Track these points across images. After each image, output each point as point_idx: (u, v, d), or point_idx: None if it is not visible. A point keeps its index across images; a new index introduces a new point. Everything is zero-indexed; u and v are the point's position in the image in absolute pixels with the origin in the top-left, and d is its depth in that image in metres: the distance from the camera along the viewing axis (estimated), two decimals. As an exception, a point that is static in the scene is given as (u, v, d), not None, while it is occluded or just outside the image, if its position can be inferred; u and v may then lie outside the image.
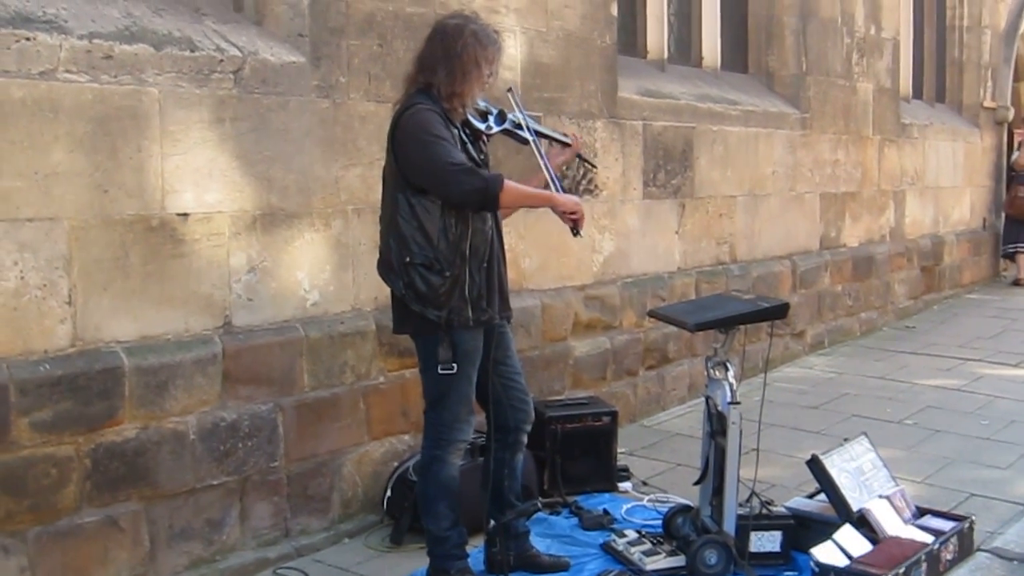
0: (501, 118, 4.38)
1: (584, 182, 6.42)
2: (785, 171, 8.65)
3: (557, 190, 4.34)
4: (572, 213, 4.27)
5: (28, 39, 3.84)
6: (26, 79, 3.84)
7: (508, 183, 4.04)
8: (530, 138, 4.40)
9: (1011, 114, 13.39)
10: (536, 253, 6.10)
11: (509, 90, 4.55)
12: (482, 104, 4.35)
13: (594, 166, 5.36)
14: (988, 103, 12.84)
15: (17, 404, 3.82)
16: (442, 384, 4.18)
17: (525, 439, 4.52)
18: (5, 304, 3.83)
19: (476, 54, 4.11)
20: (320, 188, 4.89)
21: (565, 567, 4.56)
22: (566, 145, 4.66)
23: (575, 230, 4.31)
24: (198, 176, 4.40)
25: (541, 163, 4.36)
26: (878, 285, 10.22)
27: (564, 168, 4.97)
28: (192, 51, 4.37)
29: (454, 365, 4.12)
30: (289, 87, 4.73)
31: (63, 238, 3.98)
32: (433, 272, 4.04)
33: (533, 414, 4.51)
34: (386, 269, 4.17)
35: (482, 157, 4.26)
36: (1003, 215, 13.12)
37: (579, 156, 4.74)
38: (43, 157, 3.91)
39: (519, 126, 4.42)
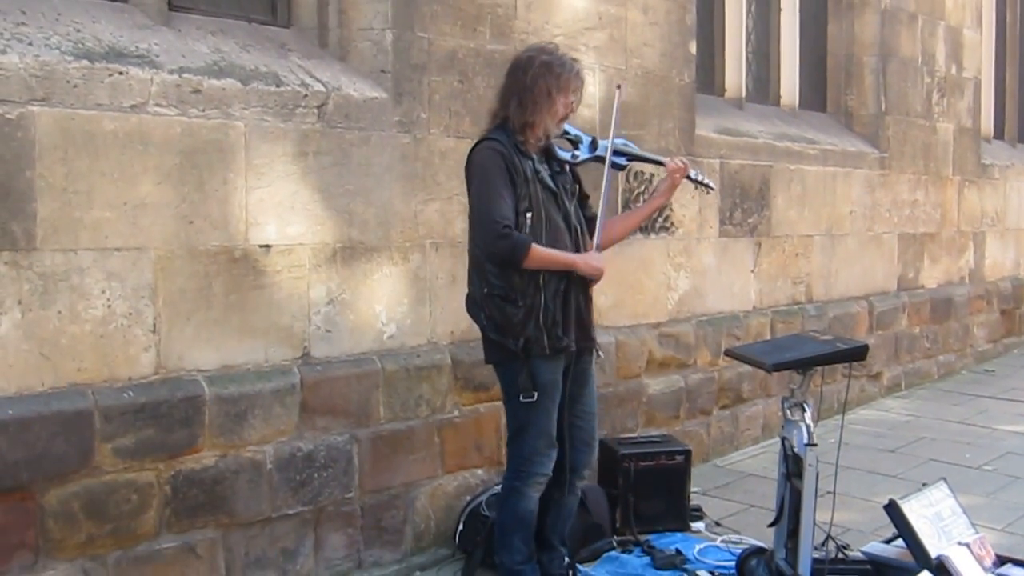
0: (593, 146, 4.39)
1: (660, 219, 6.42)
2: (863, 211, 8.57)
3: (596, 245, 4.32)
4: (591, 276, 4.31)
5: (121, 73, 3.94)
6: (118, 112, 3.94)
7: (534, 249, 4.06)
8: (606, 170, 4.38)
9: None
10: (611, 290, 6.09)
11: (618, 87, 4.55)
12: (572, 132, 4.36)
13: (711, 187, 4.99)
14: (1072, 144, 12.60)
15: (101, 430, 3.89)
16: (521, 415, 4.20)
17: (580, 484, 4.50)
18: (92, 331, 3.91)
19: (547, 84, 4.13)
20: (399, 222, 4.94)
21: (637, 606, 4.55)
22: (661, 165, 4.61)
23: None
24: (281, 209, 4.47)
25: (601, 205, 4.36)
26: (957, 328, 10.05)
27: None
28: (277, 86, 4.45)
29: (535, 394, 4.14)
30: (371, 122, 4.79)
31: (149, 268, 4.06)
32: (509, 302, 4.09)
33: (595, 461, 4.48)
34: (471, 303, 4.23)
35: (567, 187, 4.28)
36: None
37: (689, 178, 4.58)
38: (132, 188, 4.00)
39: (616, 152, 4.41)
